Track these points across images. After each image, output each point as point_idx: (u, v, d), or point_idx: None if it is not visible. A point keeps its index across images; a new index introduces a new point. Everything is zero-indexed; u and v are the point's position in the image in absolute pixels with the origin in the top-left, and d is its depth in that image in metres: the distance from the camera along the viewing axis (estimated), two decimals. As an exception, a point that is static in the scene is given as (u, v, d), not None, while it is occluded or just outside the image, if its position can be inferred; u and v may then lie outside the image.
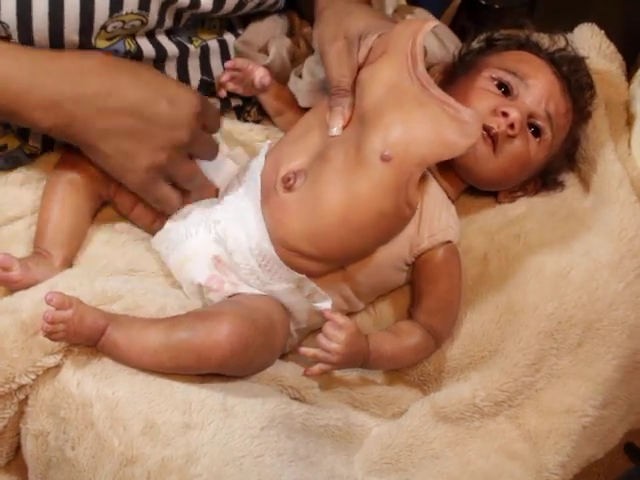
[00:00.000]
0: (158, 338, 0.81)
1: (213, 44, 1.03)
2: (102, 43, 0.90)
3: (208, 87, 1.03)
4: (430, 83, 0.87)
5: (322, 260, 0.89)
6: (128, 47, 0.93)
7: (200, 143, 0.89)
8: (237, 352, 0.82)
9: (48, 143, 0.96)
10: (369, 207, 0.86)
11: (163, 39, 0.97)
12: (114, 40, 0.91)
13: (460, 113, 0.85)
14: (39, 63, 0.84)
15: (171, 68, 1.00)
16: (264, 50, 1.07)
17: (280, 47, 1.06)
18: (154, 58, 0.97)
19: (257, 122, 1.08)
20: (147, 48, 0.95)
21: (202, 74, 1.03)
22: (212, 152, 0.93)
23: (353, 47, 0.91)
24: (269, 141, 0.97)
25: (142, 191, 0.89)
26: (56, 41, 0.87)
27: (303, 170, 0.89)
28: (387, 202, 0.86)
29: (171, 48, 0.98)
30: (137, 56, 0.95)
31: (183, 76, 1.01)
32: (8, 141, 0.96)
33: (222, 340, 0.81)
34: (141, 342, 0.81)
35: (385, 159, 0.85)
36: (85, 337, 0.80)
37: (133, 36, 0.94)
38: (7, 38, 0.86)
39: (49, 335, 0.78)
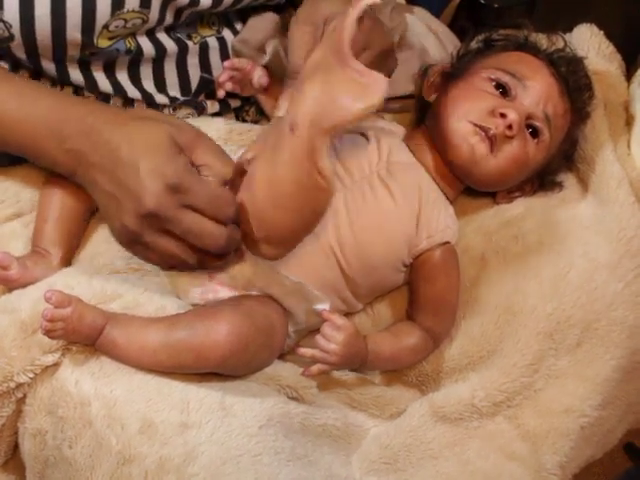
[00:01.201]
0: (157, 337, 0.82)
1: (212, 41, 1.04)
2: (104, 42, 0.92)
3: (208, 85, 1.05)
4: (343, 49, 0.82)
5: (272, 242, 0.87)
6: (128, 45, 0.94)
7: (176, 224, 0.82)
8: (236, 352, 0.83)
9: None
10: (286, 180, 0.84)
11: (162, 36, 0.99)
12: (115, 39, 0.93)
13: (362, 77, 0.81)
14: (52, 114, 0.86)
15: (171, 65, 1.01)
16: (262, 49, 1.07)
17: (277, 46, 1.06)
18: (154, 57, 0.98)
19: (256, 122, 1.10)
20: (147, 46, 0.97)
21: (201, 71, 1.04)
22: (197, 235, 0.83)
23: (318, 32, 0.90)
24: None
25: (122, 245, 0.87)
26: (58, 41, 0.89)
27: (254, 158, 0.88)
28: (300, 173, 0.83)
29: (170, 45, 0.99)
30: (137, 54, 0.96)
31: (183, 74, 1.03)
32: None
33: (221, 340, 0.83)
34: (140, 341, 0.82)
35: (291, 128, 0.83)
36: (84, 335, 0.81)
37: (133, 35, 0.95)
38: (10, 38, 0.88)
39: (48, 333, 0.79)
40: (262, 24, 1.09)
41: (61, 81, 0.97)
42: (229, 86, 0.98)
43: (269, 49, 1.06)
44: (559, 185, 1.02)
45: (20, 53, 0.91)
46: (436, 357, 0.95)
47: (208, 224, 0.82)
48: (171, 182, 0.80)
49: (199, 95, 1.05)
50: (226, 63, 0.98)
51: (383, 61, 0.90)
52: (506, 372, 0.92)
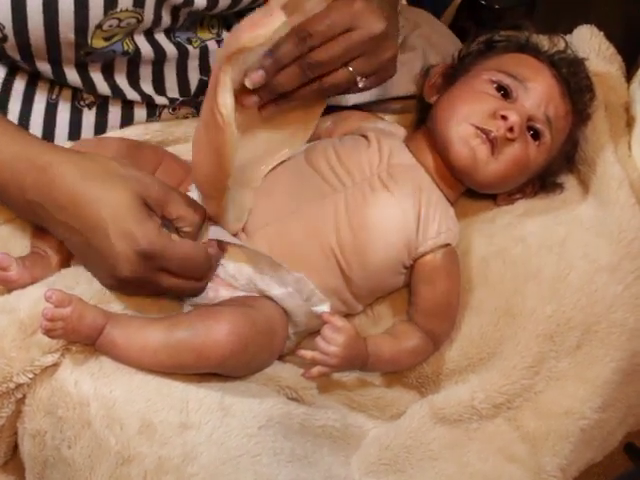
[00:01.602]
0: (158, 337, 0.83)
1: (212, 45, 1.05)
2: (99, 42, 0.92)
3: (206, 87, 1.04)
4: None
5: (203, 193, 0.90)
6: (126, 48, 0.94)
7: (155, 286, 0.85)
8: (236, 352, 0.84)
9: None
10: (201, 120, 0.86)
11: (162, 39, 0.99)
12: (112, 40, 0.93)
13: (266, 12, 0.81)
14: (17, 162, 0.86)
15: (170, 69, 1.02)
16: None
17: None
18: (152, 59, 0.99)
19: None
20: (145, 49, 0.97)
21: (201, 74, 1.04)
22: (178, 291, 0.88)
23: None
24: None
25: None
26: (52, 41, 0.89)
27: None
28: (207, 109, 0.84)
29: (170, 49, 0.99)
30: (135, 56, 0.96)
31: (182, 77, 1.03)
32: None
33: (222, 340, 0.83)
34: (140, 341, 0.82)
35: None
36: (84, 335, 0.81)
37: (132, 36, 0.95)
38: (3, 39, 0.88)
39: (48, 332, 0.79)
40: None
41: (59, 83, 0.97)
42: (230, 86, 0.99)
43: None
44: (560, 187, 1.03)
45: (14, 54, 0.92)
46: (436, 359, 0.96)
47: (185, 284, 0.87)
48: (143, 249, 0.82)
49: (198, 97, 1.05)
50: None
51: (374, 48, 0.88)
52: (506, 374, 0.92)
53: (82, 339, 0.82)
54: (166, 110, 1.04)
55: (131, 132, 1.01)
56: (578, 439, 0.93)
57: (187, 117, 1.06)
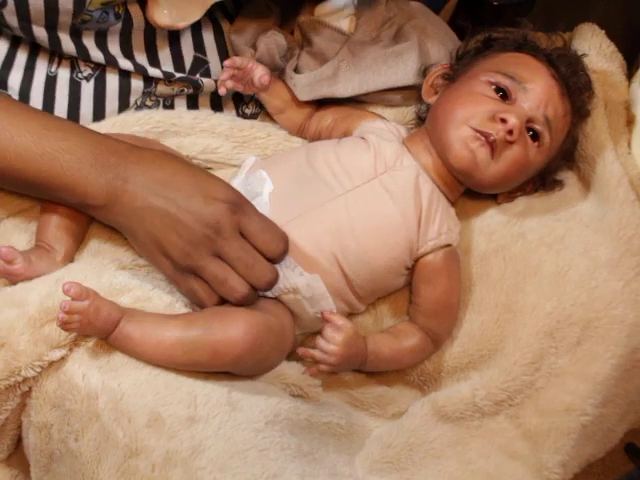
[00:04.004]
0: (174, 333, 0.86)
1: (205, 20, 1.08)
2: (94, 6, 0.95)
3: (202, 64, 1.09)
4: None
5: None
6: (117, 9, 0.98)
7: (231, 247, 0.90)
8: (251, 351, 0.88)
9: None
10: None
11: None
12: (107, 6, 0.96)
13: None
14: (100, 145, 0.92)
15: (163, 40, 1.05)
16: (253, 46, 1.11)
17: (269, 43, 1.11)
18: (144, 29, 1.02)
19: (255, 115, 1.15)
20: (138, 18, 1.00)
21: (195, 51, 1.08)
22: (249, 265, 0.92)
23: None
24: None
25: (172, 281, 0.94)
26: (50, 8, 0.93)
27: None
28: None
29: None
30: (127, 23, 1.00)
31: (176, 51, 1.07)
32: None
33: (239, 338, 0.87)
34: (156, 336, 0.86)
35: None
36: (98, 329, 0.85)
37: (125, 3, 0.98)
38: (3, 4, 0.92)
39: (63, 325, 0.82)
40: (256, 14, 1.15)
41: (55, 52, 1.01)
42: (230, 84, 1.03)
43: (260, 46, 1.10)
44: (559, 184, 1.06)
45: (12, 19, 0.95)
46: (437, 356, 1.00)
47: (257, 258, 0.92)
48: (230, 196, 0.90)
49: (193, 74, 1.09)
50: (227, 62, 1.02)
51: None
52: (507, 371, 0.96)
53: (97, 333, 0.85)
54: (162, 82, 1.06)
55: (129, 119, 1.05)
56: (579, 435, 0.97)
57: (182, 91, 1.08)
